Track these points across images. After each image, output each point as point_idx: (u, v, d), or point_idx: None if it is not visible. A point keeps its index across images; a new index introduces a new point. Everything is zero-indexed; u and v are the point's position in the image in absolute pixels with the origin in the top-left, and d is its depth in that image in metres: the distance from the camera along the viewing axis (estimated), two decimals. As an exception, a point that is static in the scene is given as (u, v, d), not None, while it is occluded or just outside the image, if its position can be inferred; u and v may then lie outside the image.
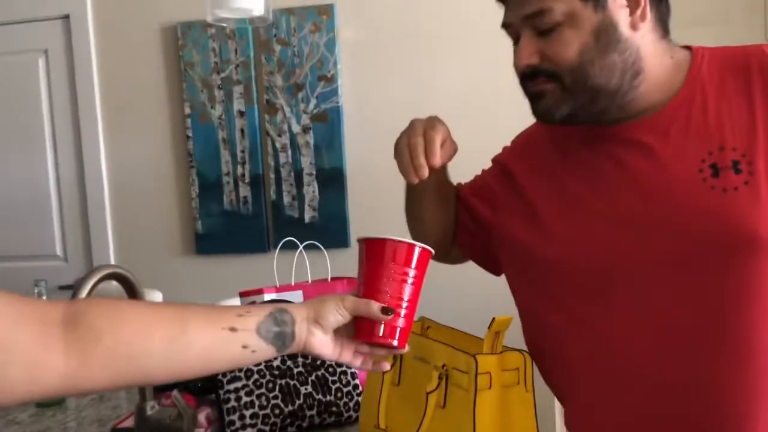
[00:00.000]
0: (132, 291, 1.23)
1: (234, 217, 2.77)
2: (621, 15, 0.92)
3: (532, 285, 1.04)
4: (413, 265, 0.83)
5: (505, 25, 0.98)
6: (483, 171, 1.24)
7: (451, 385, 1.04)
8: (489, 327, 1.01)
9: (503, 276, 1.13)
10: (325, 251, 1.58)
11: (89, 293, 1.11)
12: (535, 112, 0.98)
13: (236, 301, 2.09)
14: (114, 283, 1.21)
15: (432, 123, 1.02)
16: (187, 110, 2.77)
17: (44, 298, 1.57)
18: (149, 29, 2.80)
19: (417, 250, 0.83)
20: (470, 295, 2.53)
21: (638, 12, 0.92)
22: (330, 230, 2.67)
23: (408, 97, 2.61)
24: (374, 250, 0.84)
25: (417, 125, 1.02)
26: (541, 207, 1.02)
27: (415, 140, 0.99)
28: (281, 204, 2.74)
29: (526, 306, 1.07)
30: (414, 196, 1.17)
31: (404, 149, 1.01)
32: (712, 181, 0.88)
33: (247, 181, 2.75)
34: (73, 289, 1.12)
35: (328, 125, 2.66)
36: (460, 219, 1.19)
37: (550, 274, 0.99)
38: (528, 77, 0.95)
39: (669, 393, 0.92)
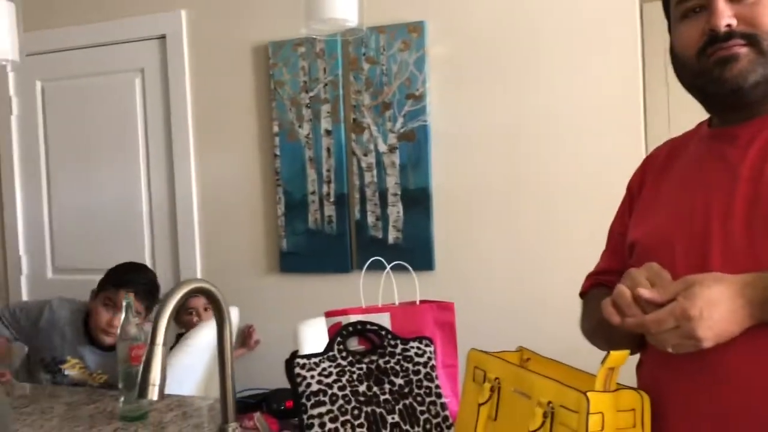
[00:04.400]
0: (217, 306, 1.20)
1: (318, 236, 2.75)
2: None
3: None
4: None
5: None
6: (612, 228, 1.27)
7: (557, 423, 0.93)
8: (602, 362, 0.91)
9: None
10: (414, 274, 1.51)
11: (175, 306, 1.08)
12: (725, 76, 0.97)
13: (320, 321, 2.05)
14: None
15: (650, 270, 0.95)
16: (276, 129, 2.78)
17: (132, 309, 1.57)
18: (241, 48, 2.84)
19: None
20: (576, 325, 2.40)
21: None
22: (414, 252, 2.59)
23: (499, 117, 2.52)
24: None
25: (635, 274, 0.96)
26: (655, 210, 1.10)
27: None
28: (365, 224, 2.69)
29: None
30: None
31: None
32: None
33: (332, 200, 2.73)
34: (161, 302, 1.10)
35: (414, 145, 2.61)
36: None
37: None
38: (721, 39, 0.97)
39: None
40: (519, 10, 2.48)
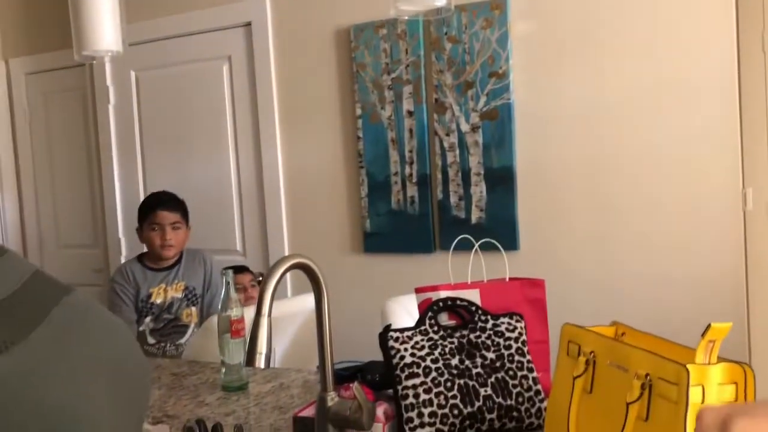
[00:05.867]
0: (315, 281, 1.25)
1: (401, 217, 2.79)
2: None
3: None
4: None
5: None
6: None
7: (656, 396, 0.94)
8: (703, 334, 0.90)
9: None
10: (503, 251, 1.52)
11: (279, 280, 1.14)
12: None
13: (406, 298, 2.09)
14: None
15: None
16: (359, 111, 2.83)
17: (231, 285, 1.65)
18: (324, 33, 2.89)
19: None
20: (666, 300, 2.36)
21: None
22: (497, 232, 2.59)
23: (583, 94, 2.48)
24: None
25: None
26: None
27: None
28: (448, 204, 2.71)
29: None
30: None
31: None
32: None
33: (414, 181, 2.76)
34: (263, 277, 1.16)
35: (497, 123, 2.60)
36: None
37: None
38: None
39: None
40: (605, -17, 2.42)
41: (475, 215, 2.67)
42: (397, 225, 2.80)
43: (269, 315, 1.11)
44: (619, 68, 2.42)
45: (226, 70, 3.13)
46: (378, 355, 1.40)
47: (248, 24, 3.05)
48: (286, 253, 2.99)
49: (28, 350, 0.39)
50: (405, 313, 2.02)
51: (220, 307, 1.65)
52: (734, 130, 2.31)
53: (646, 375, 0.95)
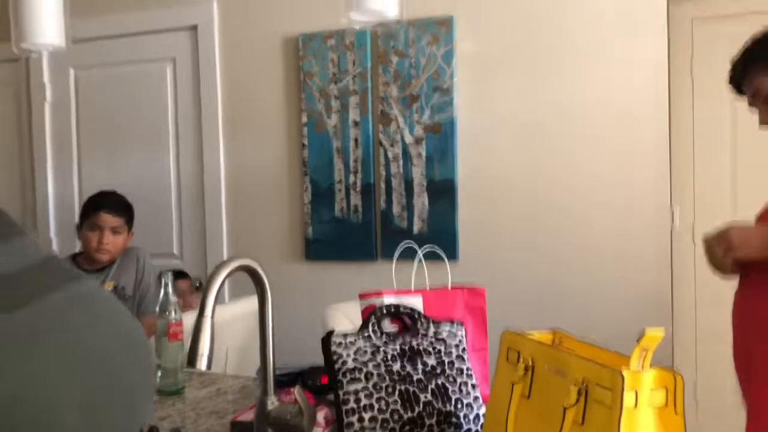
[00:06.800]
0: (260, 284, 1.24)
1: (344, 225, 2.79)
2: None
3: None
4: None
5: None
6: None
7: (591, 401, 0.97)
8: (638, 341, 0.94)
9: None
10: (446, 260, 1.55)
11: (223, 282, 1.13)
12: None
13: (346, 305, 2.10)
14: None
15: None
16: (304, 119, 2.83)
17: (170, 288, 1.62)
18: (271, 40, 2.88)
19: None
20: (599, 310, 2.43)
21: None
22: (438, 242, 2.58)
23: (525, 111, 2.55)
24: None
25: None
26: None
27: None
28: (390, 214, 2.73)
29: None
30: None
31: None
32: None
33: (358, 189, 2.77)
34: (210, 276, 1.14)
35: (441, 137, 2.64)
36: None
37: None
38: None
39: None
40: (545, 6, 2.51)
41: (417, 225, 2.70)
42: (340, 233, 2.80)
43: (212, 316, 1.10)
44: (558, 89, 2.50)
45: (170, 72, 3.08)
46: (318, 362, 1.40)
47: (194, 27, 3.01)
48: (225, 259, 2.95)
49: (4, 325, 0.40)
50: (345, 319, 2.02)
51: (158, 309, 1.62)
52: (664, 151, 2.42)
53: (583, 381, 0.99)
